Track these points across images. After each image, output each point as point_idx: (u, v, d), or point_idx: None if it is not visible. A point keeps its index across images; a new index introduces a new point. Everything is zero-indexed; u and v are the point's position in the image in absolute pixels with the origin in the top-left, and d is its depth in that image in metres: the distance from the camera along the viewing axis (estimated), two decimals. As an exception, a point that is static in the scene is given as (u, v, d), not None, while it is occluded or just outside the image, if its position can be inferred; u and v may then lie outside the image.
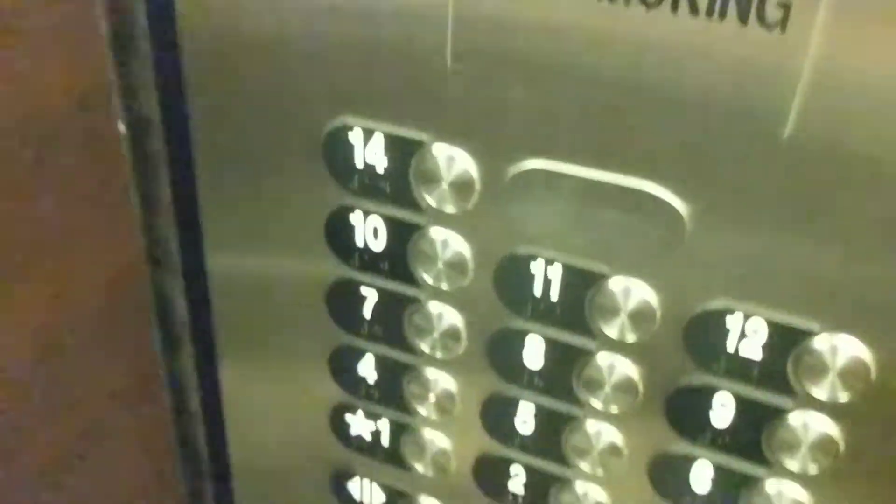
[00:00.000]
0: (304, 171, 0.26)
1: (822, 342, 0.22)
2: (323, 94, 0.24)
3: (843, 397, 0.22)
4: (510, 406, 0.28)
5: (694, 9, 0.19)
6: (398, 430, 0.30)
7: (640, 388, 0.25)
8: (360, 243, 0.26)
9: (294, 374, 0.31)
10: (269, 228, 0.28)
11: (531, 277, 0.25)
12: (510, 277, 0.25)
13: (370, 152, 0.24)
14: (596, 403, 0.26)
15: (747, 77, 0.19)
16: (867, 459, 0.23)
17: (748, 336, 0.23)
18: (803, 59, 0.19)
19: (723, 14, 0.19)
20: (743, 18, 0.19)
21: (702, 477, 0.26)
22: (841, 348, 0.22)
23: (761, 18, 0.18)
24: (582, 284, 0.24)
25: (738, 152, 0.21)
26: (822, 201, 0.20)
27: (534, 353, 0.26)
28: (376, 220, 0.26)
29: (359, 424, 0.31)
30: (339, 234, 0.26)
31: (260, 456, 0.34)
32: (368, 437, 0.31)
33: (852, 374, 0.22)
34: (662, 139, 0.21)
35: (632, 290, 0.24)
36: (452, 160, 0.24)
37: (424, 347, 0.27)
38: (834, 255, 0.21)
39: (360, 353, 0.29)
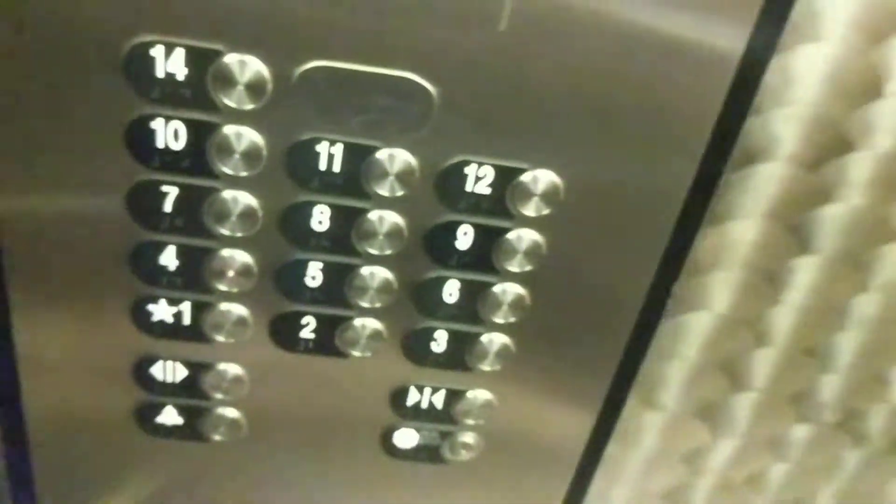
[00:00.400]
0: (103, 86, 0.29)
1: (528, 176, 0.32)
2: (123, 14, 0.27)
3: (545, 212, 0.33)
4: (300, 267, 0.34)
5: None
6: (199, 308, 0.35)
7: (406, 232, 0.33)
8: (160, 145, 0.30)
9: (89, 283, 0.34)
10: (61, 146, 0.30)
11: (317, 156, 0.31)
12: (299, 158, 0.31)
13: (171, 64, 0.28)
14: (372, 251, 0.33)
15: (476, -11, 0.27)
16: (562, 256, 0.34)
17: (481, 179, 0.32)
18: (512, -24, 0.27)
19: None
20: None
21: (451, 291, 0.35)
22: (541, 179, 0.32)
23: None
24: (359, 157, 0.31)
25: (470, 46, 0.29)
26: (528, 82, 0.30)
27: (320, 219, 0.32)
28: (177, 124, 0.30)
29: (161, 311, 0.35)
30: (139, 140, 0.30)
31: (53, 375, 0.36)
32: (171, 321, 0.35)
33: (549, 196, 0.32)
34: (417, 37, 0.28)
35: (396, 157, 0.31)
36: (245, 65, 0.29)
37: (223, 231, 0.32)
38: (513, 112, 0.30)
39: (161, 246, 0.33)
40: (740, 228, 0.38)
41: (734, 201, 0.37)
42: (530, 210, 0.33)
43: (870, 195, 0.38)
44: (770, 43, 0.30)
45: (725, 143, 0.33)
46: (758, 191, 0.37)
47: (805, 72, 0.33)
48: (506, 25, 0.28)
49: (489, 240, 0.34)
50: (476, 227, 0.33)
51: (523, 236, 0.34)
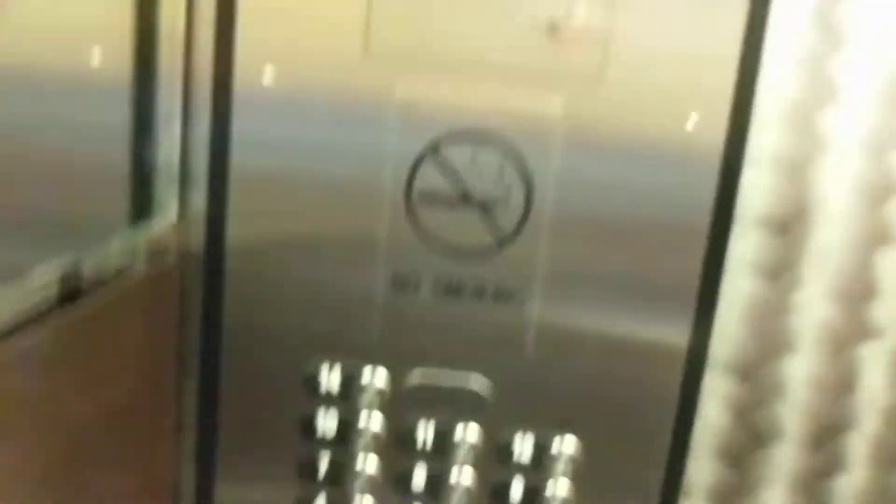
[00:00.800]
0: (292, 392, 0.47)
1: (556, 443, 0.48)
2: (305, 344, 0.47)
3: (570, 469, 0.48)
4: (403, 509, 0.49)
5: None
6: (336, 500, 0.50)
7: (475, 485, 0.49)
8: (319, 432, 0.48)
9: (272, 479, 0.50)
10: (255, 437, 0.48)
11: (417, 435, 0.48)
12: (406, 434, 0.48)
13: (330, 378, 0.47)
14: (452, 501, 0.49)
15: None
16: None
17: (524, 445, 0.48)
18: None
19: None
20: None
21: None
22: (566, 443, 0.48)
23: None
24: (443, 433, 0.48)
25: (505, 367, 0.47)
26: (548, 384, 0.47)
27: (418, 480, 0.49)
28: (333, 413, 0.48)
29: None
30: (309, 422, 0.48)
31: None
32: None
33: (571, 459, 0.48)
34: (474, 358, 0.47)
35: (469, 431, 0.48)
36: (373, 378, 0.47)
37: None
38: (541, 402, 0.47)
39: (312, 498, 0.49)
40: (766, 496, 0.51)
41: (759, 477, 0.51)
42: (559, 468, 0.48)
43: (869, 468, 0.51)
44: (706, 334, 0.47)
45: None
46: (778, 468, 0.51)
47: (796, 375, 0.49)
48: (530, 354, 0.46)
49: (532, 489, 0.49)
50: (527, 483, 0.48)
51: (557, 494, 0.48)
